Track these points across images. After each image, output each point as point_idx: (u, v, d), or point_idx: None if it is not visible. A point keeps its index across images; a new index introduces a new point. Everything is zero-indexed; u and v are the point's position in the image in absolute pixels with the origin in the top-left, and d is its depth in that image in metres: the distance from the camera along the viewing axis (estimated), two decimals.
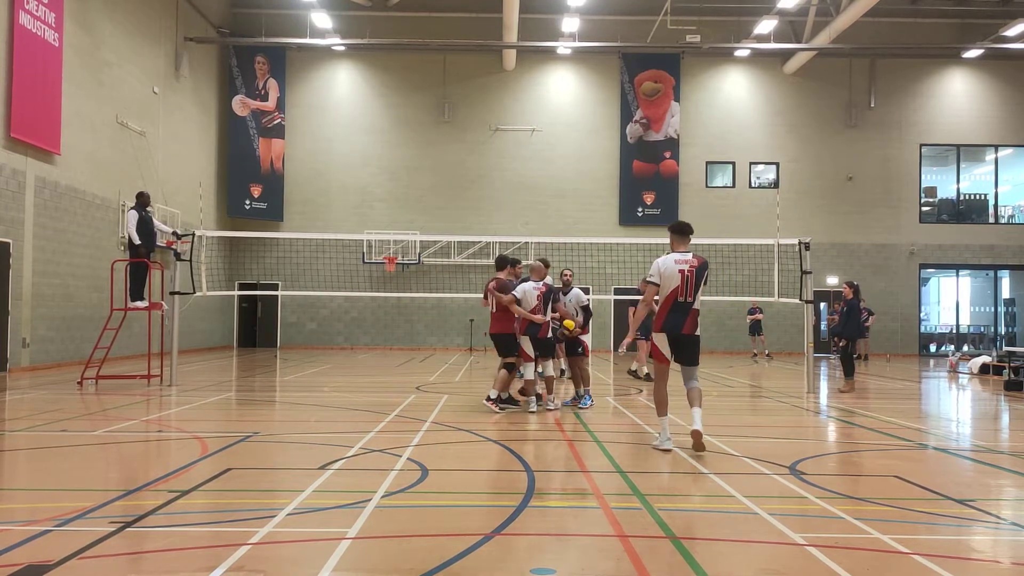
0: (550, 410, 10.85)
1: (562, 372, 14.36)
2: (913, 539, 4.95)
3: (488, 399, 10.88)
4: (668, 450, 7.72)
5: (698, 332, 7.98)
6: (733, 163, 29.45)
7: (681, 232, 8.13)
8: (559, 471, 7.16)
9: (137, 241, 14.07)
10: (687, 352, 7.96)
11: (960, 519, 5.55)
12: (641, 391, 14.10)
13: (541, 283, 10.46)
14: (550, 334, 11.12)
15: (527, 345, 11.09)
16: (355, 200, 28.88)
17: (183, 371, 15.81)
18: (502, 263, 11.23)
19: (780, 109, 29.51)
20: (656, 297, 8.00)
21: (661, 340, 7.92)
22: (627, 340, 8.51)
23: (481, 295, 11.02)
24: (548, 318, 10.80)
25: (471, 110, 29.17)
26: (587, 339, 12.24)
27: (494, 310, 10.89)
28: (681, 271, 7.84)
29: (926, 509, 5.75)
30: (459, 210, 28.73)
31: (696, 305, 7.90)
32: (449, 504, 5.82)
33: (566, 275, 12.81)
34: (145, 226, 14.34)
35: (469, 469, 7.24)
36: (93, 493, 5.95)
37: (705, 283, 7.96)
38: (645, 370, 16.26)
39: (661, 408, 8.06)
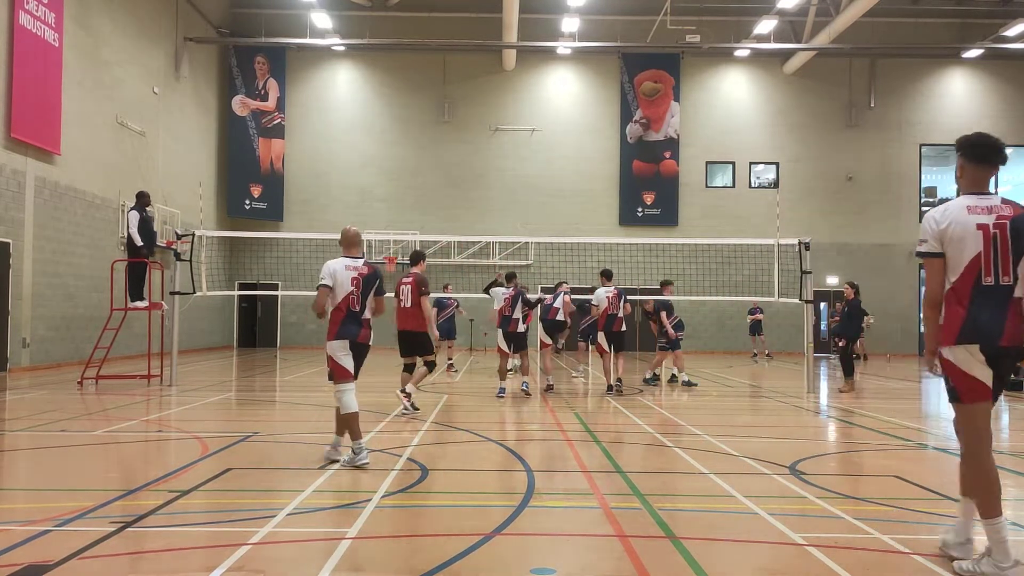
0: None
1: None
2: (913, 539, 4.95)
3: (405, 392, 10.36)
4: None
5: None
6: (733, 163, 29.44)
7: (982, 158, 4.47)
8: (559, 471, 7.15)
9: (139, 242, 14.09)
10: (1003, 377, 4.41)
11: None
12: (641, 391, 14.10)
13: (361, 262, 7.30)
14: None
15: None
16: (355, 200, 28.87)
17: (183, 371, 15.81)
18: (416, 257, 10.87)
19: (780, 109, 29.51)
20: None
21: (968, 357, 4.30)
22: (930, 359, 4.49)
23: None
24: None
25: (471, 110, 29.17)
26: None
27: (408, 305, 10.42)
28: (983, 227, 4.30)
29: (926, 509, 5.76)
30: (459, 210, 28.72)
31: (1020, 292, 4.32)
32: (449, 504, 5.82)
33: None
34: (146, 226, 14.36)
35: (469, 469, 7.24)
36: (93, 493, 5.95)
37: None
38: (650, 373, 16.30)
39: (990, 500, 4.24)
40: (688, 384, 15.03)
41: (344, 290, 7.07)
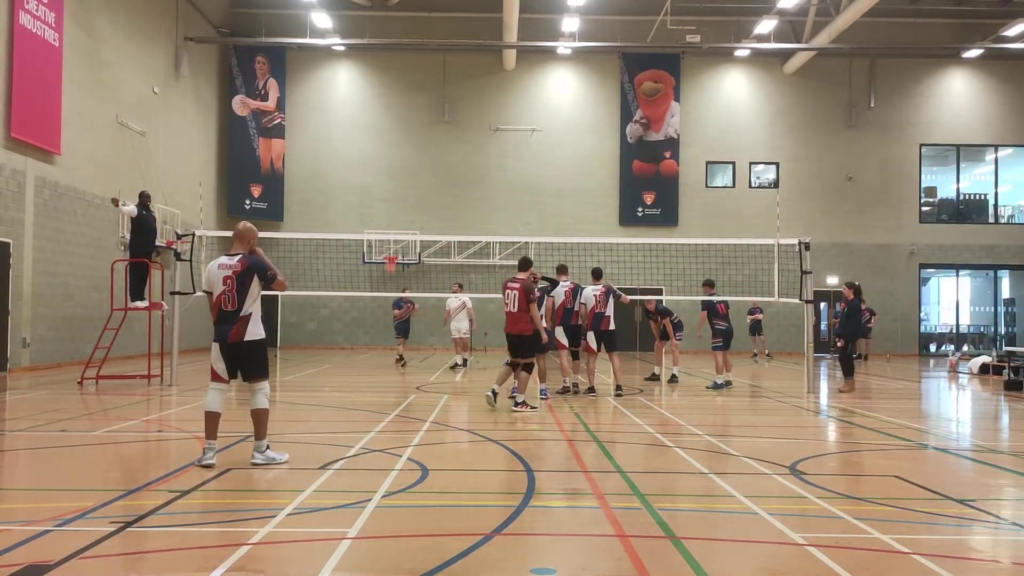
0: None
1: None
2: (913, 539, 4.95)
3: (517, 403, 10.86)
4: None
5: None
6: (733, 163, 29.44)
7: None
8: (559, 471, 7.15)
9: (127, 211, 14.11)
10: None
11: (960, 519, 5.55)
12: (641, 391, 14.10)
13: (237, 258, 7.14)
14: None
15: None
16: (355, 200, 28.88)
17: (183, 371, 15.80)
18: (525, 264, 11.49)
19: (780, 109, 29.50)
20: None
21: None
22: None
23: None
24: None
25: (471, 110, 29.17)
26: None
27: (515, 309, 10.98)
28: None
29: (926, 509, 5.75)
30: (459, 210, 28.72)
31: None
32: (449, 504, 5.82)
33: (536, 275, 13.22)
34: (147, 225, 14.36)
35: (469, 469, 7.24)
36: (93, 493, 5.95)
37: None
38: (656, 371, 16.61)
39: None
40: (673, 379, 15.57)
41: (217, 290, 6.94)
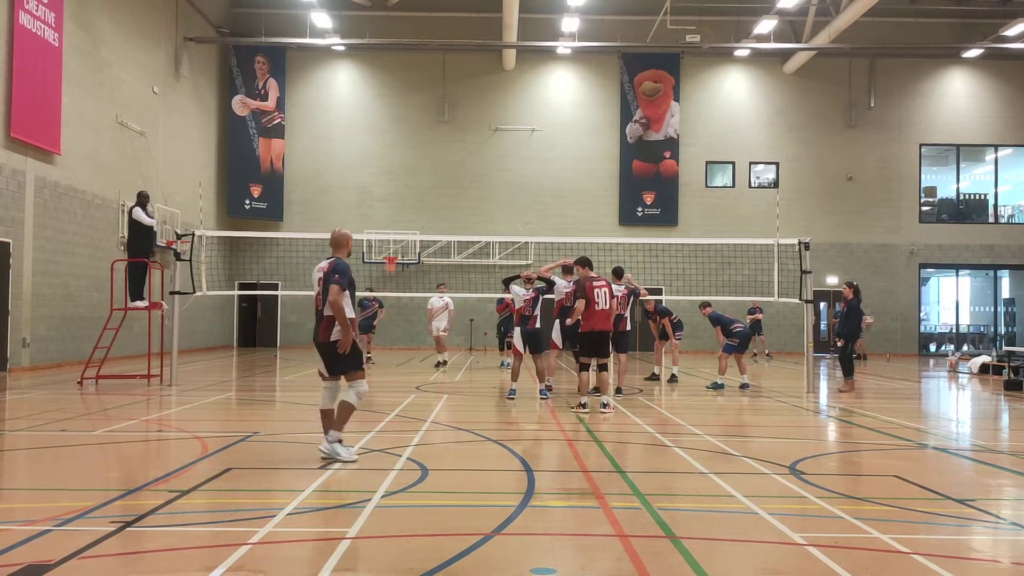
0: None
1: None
2: (913, 539, 4.95)
3: (604, 405, 10.90)
4: None
5: None
6: (733, 163, 29.44)
7: None
8: (559, 471, 7.16)
9: (147, 222, 14.13)
10: None
11: (960, 519, 5.56)
12: (641, 391, 14.10)
13: (328, 261, 7.37)
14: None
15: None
16: (355, 200, 28.87)
17: (183, 371, 15.81)
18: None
19: (780, 109, 29.50)
20: None
21: None
22: None
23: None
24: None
25: (471, 110, 29.17)
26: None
27: (607, 308, 11.03)
28: None
29: (926, 509, 5.76)
30: (459, 210, 28.72)
31: None
32: (449, 504, 5.82)
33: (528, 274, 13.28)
34: (145, 225, 14.37)
35: (469, 469, 7.24)
36: (93, 493, 5.95)
37: None
38: (655, 371, 16.67)
39: None
40: (673, 379, 15.62)
41: (315, 291, 7.32)
